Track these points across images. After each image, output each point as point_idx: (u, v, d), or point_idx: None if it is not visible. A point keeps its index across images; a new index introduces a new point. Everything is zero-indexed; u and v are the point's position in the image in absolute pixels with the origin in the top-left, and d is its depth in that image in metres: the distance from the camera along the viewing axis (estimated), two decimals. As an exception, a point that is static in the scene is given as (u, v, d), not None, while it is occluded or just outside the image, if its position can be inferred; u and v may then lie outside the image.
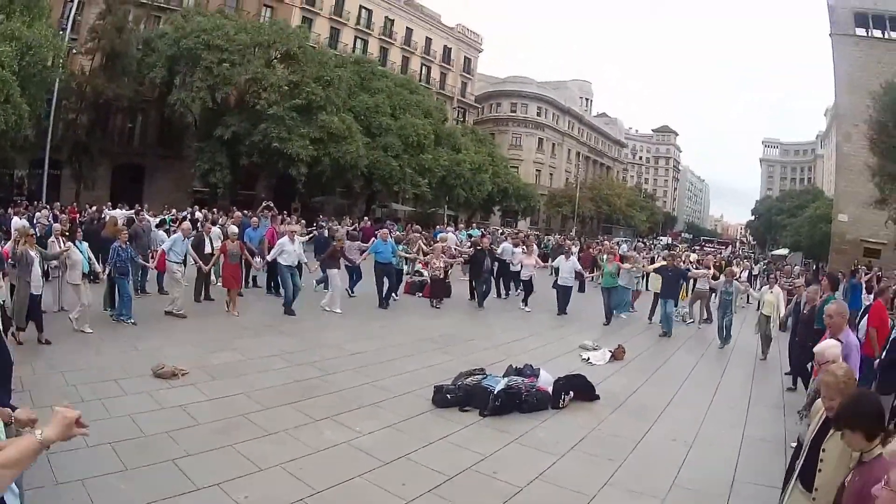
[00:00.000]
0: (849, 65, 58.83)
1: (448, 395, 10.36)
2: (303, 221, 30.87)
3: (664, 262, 22.01)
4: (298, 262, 18.72)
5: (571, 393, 10.97)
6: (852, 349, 7.55)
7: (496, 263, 23.82)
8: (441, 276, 22.17)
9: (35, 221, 21.58)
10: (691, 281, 23.98)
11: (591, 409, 10.94)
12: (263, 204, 27.94)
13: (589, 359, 14.83)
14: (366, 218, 47.30)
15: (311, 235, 25.44)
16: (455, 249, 26.79)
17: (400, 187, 60.67)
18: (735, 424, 10.67)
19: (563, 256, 22.99)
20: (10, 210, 28.72)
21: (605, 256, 23.63)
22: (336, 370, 12.04)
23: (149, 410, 8.93)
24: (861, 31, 59.73)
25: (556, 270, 23.46)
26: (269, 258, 19.10)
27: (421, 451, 8.35)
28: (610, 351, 15.43)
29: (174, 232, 18.90)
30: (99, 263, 16.52)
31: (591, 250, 32.04)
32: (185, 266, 17.38)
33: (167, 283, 18.05)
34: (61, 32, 42.60)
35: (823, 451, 4.65)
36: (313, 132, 47.37)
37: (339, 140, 48.96)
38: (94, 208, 32.76)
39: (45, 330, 12.52)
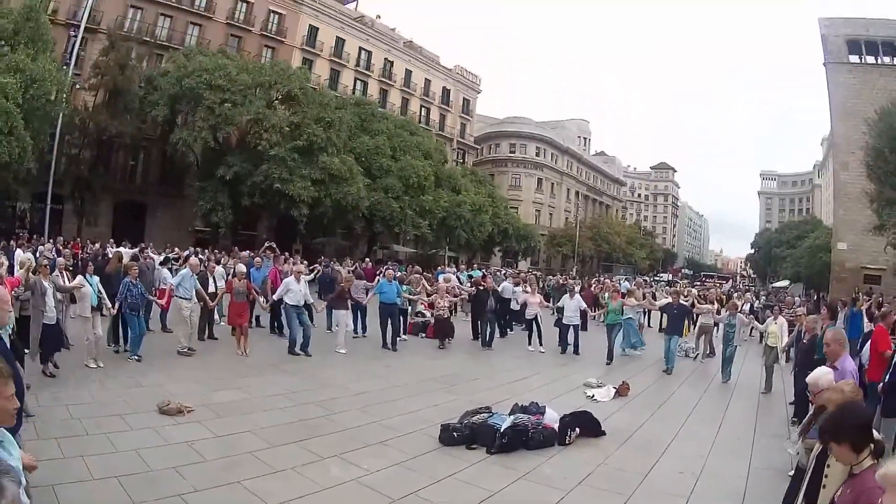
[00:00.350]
0: (844, 92, 59.42)
1: (455, 434, 10.33)
2: (304, 262, 30.93)
3: (669, 300, 22.04)
4: (306, 302, 18.68)
5: (577, 429, 10.95)
6: (847, 376, 7.49)
7: (499, 303, 23.77)
8: (446, 316, 22.15)
9: (38, 255, 21.54)
10: (695, 315, 23.96)
11: (597, 444, 10.90)
12: (266, 244, 28.00)
13: (594, 396, 14.81)
14: (367, 259, 47.38)
15: (315, 272, 25.41)
16: (457, 289, 26.79)
17: (401, 228, 61.13)
18: (741, 456, 10.66)
19: (567, 295, 22.90)
20: (12, 242, 28.75)
21: (607, 294, 23.59)
22: (341, 409, 12.00)
23: (155, 446, 8.90)
24: (854, 58, 60.31)
25: (560, 309, 23.41)
26: (274, 297, 19.08)
27: (429, 489, 8.32)
28: (614, 388, 15.42)
29: (178, 270, 18.92)
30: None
31: (591, 288, 32.13)
32: (192, 303, 17.32)
33: (172, 320, 18.02)
34: (65, 67, 42.99)
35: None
36: (314, 173, 47.84)
37: (340, 181, 49.41)
38: (97, 245, 32.89)
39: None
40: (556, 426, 10.84)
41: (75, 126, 45.74)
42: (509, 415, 10.97)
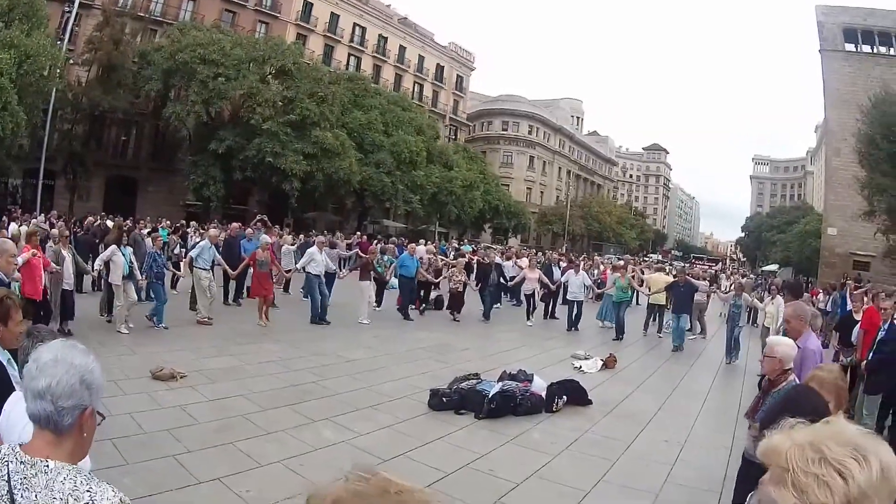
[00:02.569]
0: (838, 80, 59.25)
1: (444, 399, 10.49)
2: (292, 234, 31.34)
3: (675, 278, 22.17)
4: (326, 271, 19.37)
5: (565, 397, 11.10)
6: (809, 355, 6.85)
7: (500, 277, 23.94)
8: (460, 290, 22.37)
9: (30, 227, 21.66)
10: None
11: (584, 413, 11.08)
12: (257, 217, 28.16)
13: (581, 367, 14.96)
14: (358, 233, 47.44)
15: (297, 244, 25.83)
16: (438, 262, 27.09)
17: (392, 203, 61.38)
18: (725, 428, 10.80)
19: (572, 271, 23.16)
20: (4, 218, 28.75)
21: (616, 273, 23.49)
22: (333, 376, 12.15)
23: (149, 410, 9.04)
24: (850, 47, 60.13)
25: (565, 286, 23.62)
26: (297, 266, 19.98)
27: (419, 450, 8.49)
28: (601, 360, 15.61)
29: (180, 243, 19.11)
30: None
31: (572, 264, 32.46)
32: (212, 272, 17.70)
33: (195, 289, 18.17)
34: (59, 42, 42.75)
35: None
36: (307, 148, 47.87)
37: (332, 156, 49.39)
38: (91, 218, 32.90)
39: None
40: (543, 393, 10.99)
41: (68, 101, 45.61)
42: (497, 382, 11.11)
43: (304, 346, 15.03)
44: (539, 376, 11.72)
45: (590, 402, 11.52)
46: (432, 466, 7.91)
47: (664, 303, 22.76)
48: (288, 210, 54.20)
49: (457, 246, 41.60)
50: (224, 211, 51.33)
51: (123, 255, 15.13)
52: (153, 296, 15.99)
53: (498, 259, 26.60)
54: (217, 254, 18.00)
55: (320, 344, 15.49)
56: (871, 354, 11.03)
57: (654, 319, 23.12)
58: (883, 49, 59.81)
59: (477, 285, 23.74)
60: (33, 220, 27.06)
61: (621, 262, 29.10)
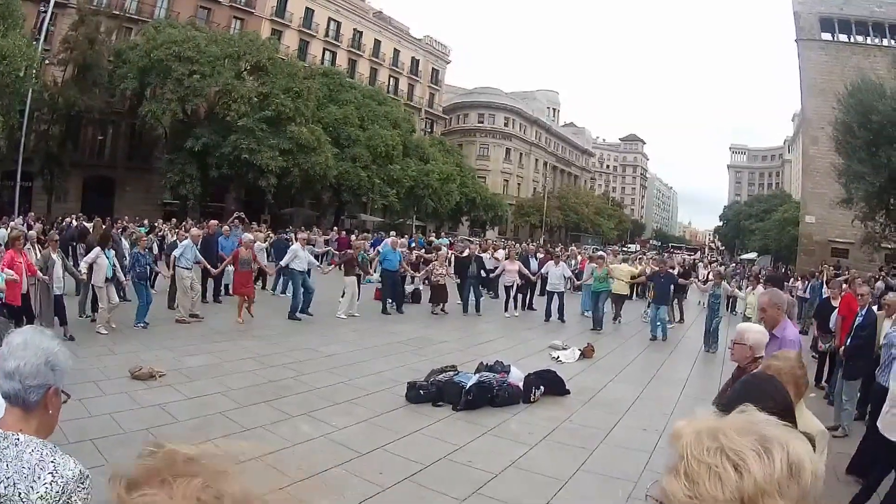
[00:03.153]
0: (815, 69, 59.55)
1: (421, 391, 10.56)
2: (261, 230, 31.48)
3: (656, 269, 22.27)
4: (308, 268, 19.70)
5: (542, 388, 11.19)
6: (788, 345, 6.29)
7: (481, 270, 23.91)
8: (442, 283, 22.39)
9: (9, 230, 21.61)
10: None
11: (561, 402, 11.17)
12: (234, 215, 28.21)
13: (559, 357, 15.07)
14: (336, 228, 47.37)
15: (268, 240, 26.15)
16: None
17: (368, 198, 61.62)
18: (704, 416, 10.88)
19: (552, 262, 23.29)
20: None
21: (592, 263, 23.49)
22: (310, 371, 12.21)
23: (128, 409, 9.05)
24: (826, 36, 60.40)
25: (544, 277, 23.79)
26: (282, 263, 20.01)
27: (396, 443, 8.54)
28: (579, 350, 15.70)
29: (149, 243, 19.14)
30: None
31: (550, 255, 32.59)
32: (192, 272, 17.76)
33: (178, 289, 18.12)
34: (35, 43, 42.37)
35: None
36: (283, 143, 47.78)
37: (308, 151, 49.34)
38: (70, 218, 32.74)
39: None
40: (520, 384, 11.07)
41: (45, 102, 45.17)
42: (475, 373, 11.20)
43: (281, 341, 15.07)
44: (516, 367, 11.79)
45: (567, 392, 11.60)
46: (410, 459, 7.95)
47: (626, 293, 23.39)
48: (265, 206, 54.17)
49: (433, 239, 41.50)
50: (201, 209, 51.09)
51: (108, 257, 15.22)
52: (137, 295, 16.04)
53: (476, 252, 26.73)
54: (198, 253, 18.03)
55: (298, 339, 15.56)
56: (849, 340, 11.18)
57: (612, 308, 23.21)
58: (860, 38, 60.13)
59: (456, 278, 23.81)
60: (11, 223, 26.96)
61: (599, 253, 29.22)
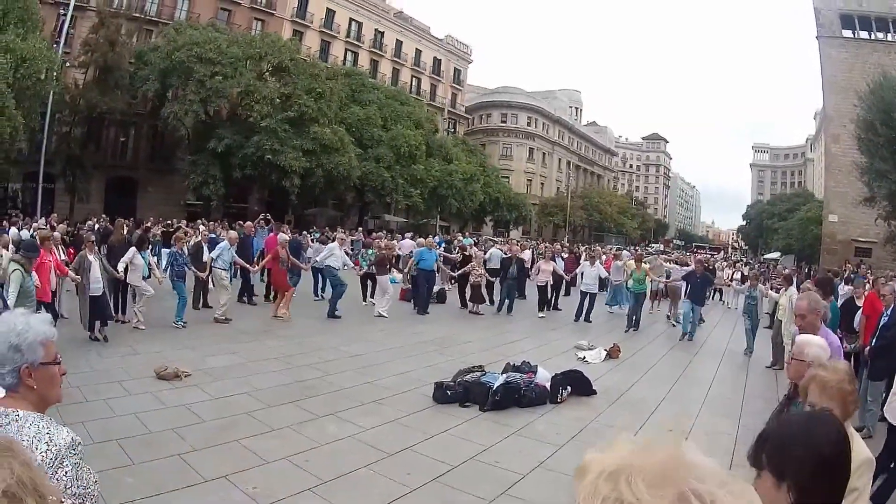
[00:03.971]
0: (836, 67, 59.15)
1: (448, 392, 10.51)
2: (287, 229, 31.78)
3: (692, 267, 22.13)
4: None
5: (569, 388, 11.12)
6: (834, 353, 5.55)
7: (520, 272, 23.70)
8: (481, 283, 22.49)
9: (33, 232, 21.71)
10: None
11: (588, 403, 11.09)
12: (261, 216, 28.41)
13: (585, 357, 14.97)
14: (360, 229, 47.42)
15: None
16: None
17: (392, 198, 61.48)
18: (730, 415, 10.81)
19: (587, 262, 23.18)
20: (4, 222, 28.71)
21: (631, 263, 23.12)
22: (336, 371, 12.18)
23: (153, 409, 9.04)
24: (847, 33, 59.97)
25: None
26: (318, 259, 20.99)
27: (423, 444, 8.50)
28: (605, 350, 15.60)
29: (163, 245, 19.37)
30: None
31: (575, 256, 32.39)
32: (230, 272, 18.33)
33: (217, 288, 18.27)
34: (55, 46, 42.82)
35: None
36: (306, 144, 47.89)
37: (331, 152, 49.44)
38: (94, 220, 32.93)
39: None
40: (547, 385, 10.98)
41: (66, 104, 45.40)
42: (502, 374, 11.13)
43: (305, 341, 15.06)
44: (543, 367, 11.69)
45: (594, 393, 11.51)
46: (438, 459, 7.90)
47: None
48: (288, 207, 54.28)
49: (460, 239, 41.38)
50: (225, 209, 51.32)
51: (143, 257, 15.80)
52: (175, 292, 16.28)
53: (495, 250, 26.81)
54: (235, 254, 18.46)
55: (322, 339, 15.56)
56: (874, 340, 11.02)
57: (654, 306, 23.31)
58: (880, 35, 59.69)
59: (493, 278, 23.71)
60: (34, 224, 27.13)
61: (638, 252, 29.05)
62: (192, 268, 17.31)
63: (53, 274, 12.59)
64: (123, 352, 12.63)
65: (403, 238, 34.63)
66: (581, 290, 22.58)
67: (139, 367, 11.25)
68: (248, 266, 19.47)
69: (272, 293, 21.02)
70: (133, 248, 15.70)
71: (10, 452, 1.63)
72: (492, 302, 23.32)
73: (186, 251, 17.58)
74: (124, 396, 9.52)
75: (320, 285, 22.70)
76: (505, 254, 24.77)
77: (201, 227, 28.73)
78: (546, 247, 33.60)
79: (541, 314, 22.43)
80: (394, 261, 23.64)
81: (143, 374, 10.79)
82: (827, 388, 3.54)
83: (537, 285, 23.13)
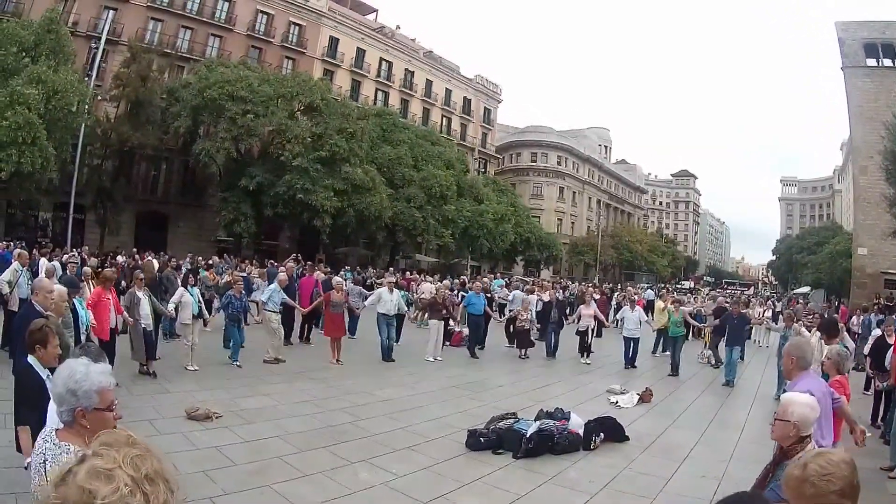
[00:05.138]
0: (861, 97, 58.62)
1: (481, 439, 10.43)
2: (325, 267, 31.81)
3: (730, 309, 21.96)
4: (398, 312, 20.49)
5: (602, 434, 11.05)
6: (823, 407, 5.31)
7: (562, 315, 23.51)
8: (527, 328, 22.16)
9: (65, 264, 21.81)
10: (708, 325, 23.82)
11: (621, 449, 10.99)
12: (291, 256, 28.61)
13: (617, 402, 14.86)
14: (391, 269, 47.47)
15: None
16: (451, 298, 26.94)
17: (423, 238, 61.59)
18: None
19: (627, 307, 22.64)
20: (35, 251, 28.85)
21: (669, 305, 22.87)
22: (368, 416, 12.13)
23: (184, 450, 9.02)
24: (871, 62, 59.58)
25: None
26: (366, 304, 20.83)
27: (457, 492, 8.44)
28: (637, 394, 15.48)
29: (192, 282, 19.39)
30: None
31: (605, 296, 32.25)
32: (279, 315, 18.10)
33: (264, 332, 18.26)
34: (86, 78, 43.41)
35: None
36: (337, 183, 48.07)
37: (362, 191, 49.68)
38: (122, 254, 33.26)
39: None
40: (580, 431, 10.91)
41: (97, 137, 45.89)
42: (535, 420, 11.03)
43: (337, 384, 15.03)
44: (575, 413, 11.61)
45: (627, 438, 11.43)
46: (472, 509, 7.80)
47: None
48: (319, 245, 54.43)
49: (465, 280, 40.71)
50: (255, 247, 51.70)
51: (192, 294, 15.88)
52: (229, 335, 16.91)
53: (517, 292, 26.81)
54: (286, 296, 18.52)
55: (353, 382, 15.48)
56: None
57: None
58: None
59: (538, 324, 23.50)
60: (64, 256, 27.30)
61: (675, 297, 28.60)
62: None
63: (113, 313, 12.66)
64: (154, 390, 12.69)
65: (422, 281, 33.99)
66: (624, 336, 22.01)
67: (169, 407, 11.30)
68: (299, 307, 19.59)
69: (307, 333, 21.32)
70: (181, 289, 16.03)
71: (149, 451, 1.93)
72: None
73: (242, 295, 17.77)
74: (154, 436, 9.46)
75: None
76: (541, 298, 24.53)
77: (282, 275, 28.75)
78: (584, 289, 33.32)
79: (585, 360, 21.84)
80: (451, 308, 22.85)
81: (174, 414, 10.82)
82: (795, 484, 2.90)
83: (578, 330, 22.50)
